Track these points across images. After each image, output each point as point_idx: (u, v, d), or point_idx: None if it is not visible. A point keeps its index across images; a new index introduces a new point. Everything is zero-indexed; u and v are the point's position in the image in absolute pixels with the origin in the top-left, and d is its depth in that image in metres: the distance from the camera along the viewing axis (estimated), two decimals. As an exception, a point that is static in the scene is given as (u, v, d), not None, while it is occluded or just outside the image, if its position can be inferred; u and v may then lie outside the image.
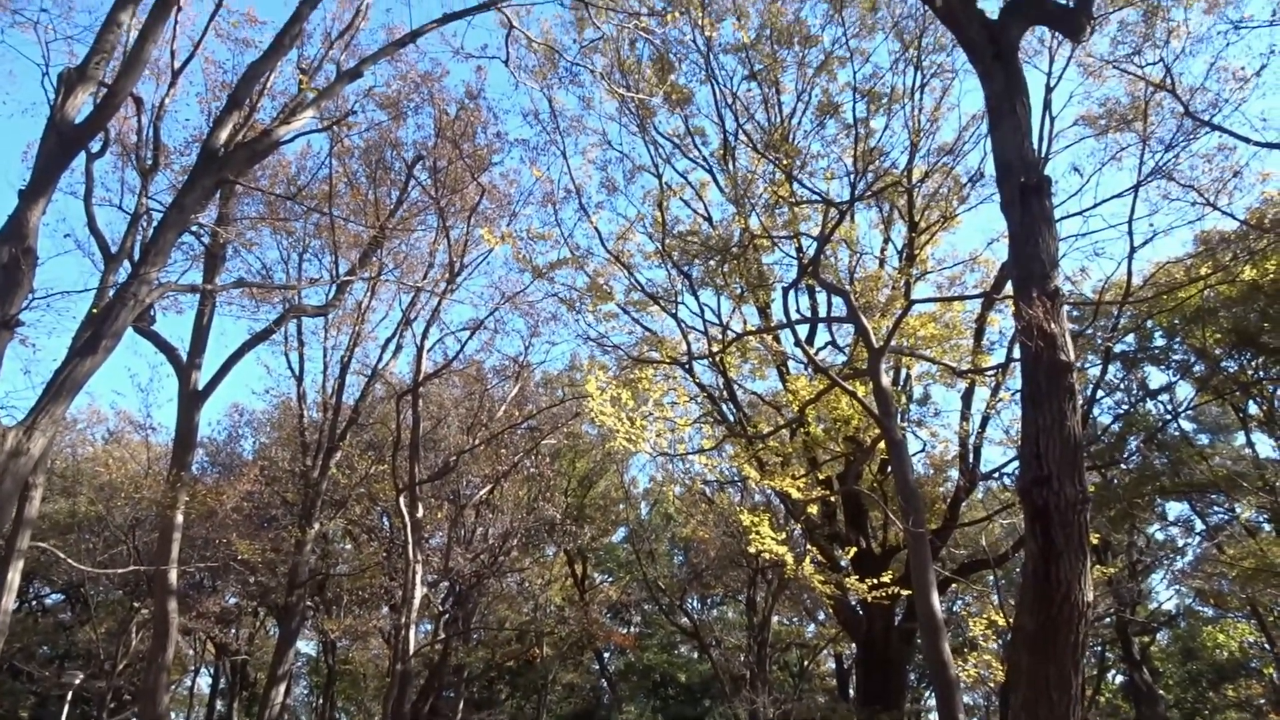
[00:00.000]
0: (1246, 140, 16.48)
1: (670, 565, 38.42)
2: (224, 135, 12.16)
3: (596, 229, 18.86)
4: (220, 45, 20.31)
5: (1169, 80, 17.55)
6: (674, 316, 19.68)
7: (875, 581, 14.27)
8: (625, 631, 38.99)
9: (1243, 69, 17.58)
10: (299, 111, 14.01)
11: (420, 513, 22.51)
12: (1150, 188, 19.00)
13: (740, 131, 18.90)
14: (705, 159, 20.13)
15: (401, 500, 21.79)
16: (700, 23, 13.63)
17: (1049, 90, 19.59)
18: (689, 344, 20.32)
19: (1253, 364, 24.39)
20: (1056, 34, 17.93)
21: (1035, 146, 19.58)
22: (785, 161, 17.10)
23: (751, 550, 16.07)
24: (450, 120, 20.73)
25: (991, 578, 28.17)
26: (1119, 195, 18.04)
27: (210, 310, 20.92)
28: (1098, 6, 17.17)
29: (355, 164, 22.52)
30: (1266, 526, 26.59)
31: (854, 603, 19.94)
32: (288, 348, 26.44)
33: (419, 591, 20.95)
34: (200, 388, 20.13)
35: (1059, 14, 11.29)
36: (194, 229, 18.60)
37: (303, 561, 24.06)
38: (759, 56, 19.34)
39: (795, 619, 38.77)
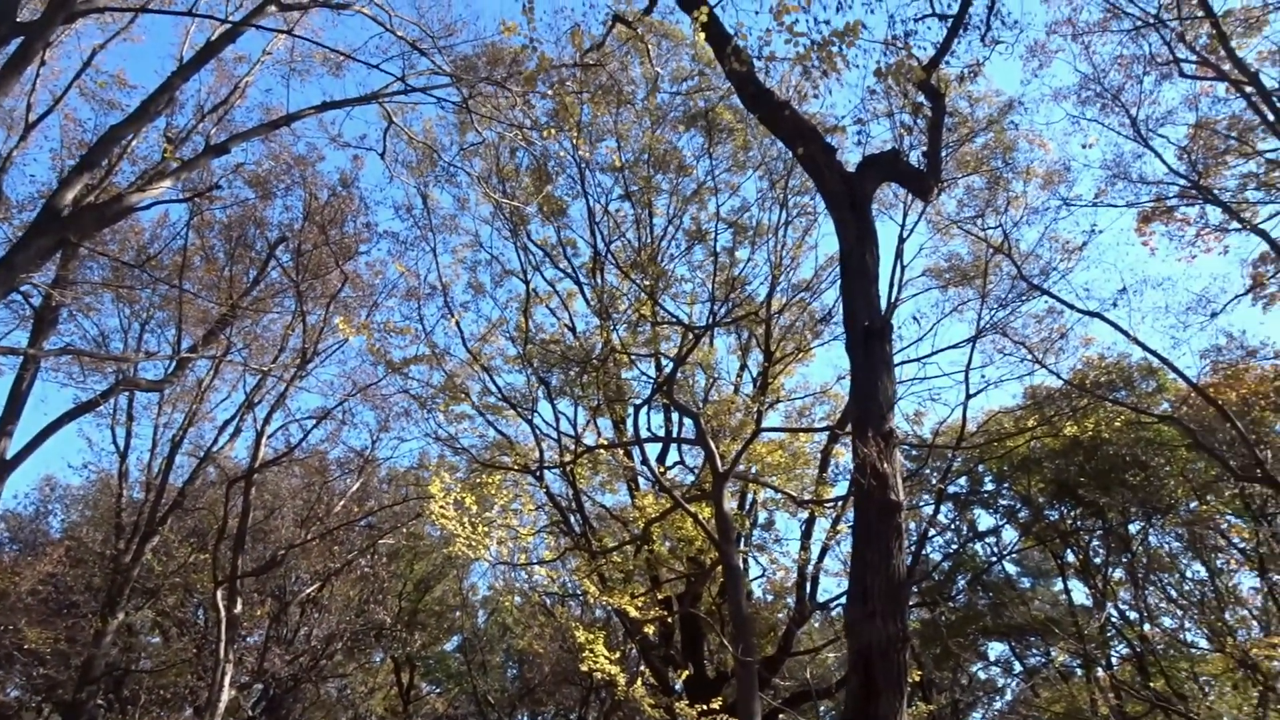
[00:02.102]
0: (1072, 306, 17.98)
1: (502, 679, 37.08)
2: (70, 195, 11.62)
3: (459, 328, 18.75)
4: (84, 104, 19.51)
5: (1007, 244, 19.05)
6: (529, 423, 19.57)
7: (705, 708, 14.11)
8: (448, 749, 37.12)
9: (1070, 241, 19.27)
10: (159, 180, 13.58)
11: (239, 608, 21.11)
12: (986, 341, 20.36)
13: (609, 248, 19.32)
14: (574, 270, 20.46)
15: (219, 593, 20.42)
16: (576, 142, 14.04)
17: (901, 241, 20.89)
18: (542, 451, 20.17)
19: (1071, 514, 25.92)
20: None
21: (885, 292, 20.81)
22: (649, 282, 17.51)
23: (584, 668, 15.73)
24: (320, 205, 20.45)
25: (821, 709, 28.39)
26: (957, 345, 19.15)
27: (32, 375, 19.52)
28: (946, 171, 18.60)
29: (214, 238, 21.82)
30: (1079, 672, 27.80)
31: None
32: (115, 421, 24.76)
33: (226, 694, 19.47)
34: (8, 456, 18.59)
35: (911, 174, 12.10)
36: (25, 288, 17.50)
37: (100, 654, 22.05)
38: (635, 178, 19.99)
39: (627, 742, 37.84)
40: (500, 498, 16.83)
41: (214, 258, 21.80)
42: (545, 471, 19.91)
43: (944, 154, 16.95)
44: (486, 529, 15.51)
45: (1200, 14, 15.06)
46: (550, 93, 12.63)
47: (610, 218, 19.89)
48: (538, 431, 19.25)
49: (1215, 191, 17.21)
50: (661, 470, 20.06)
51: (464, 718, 36.71)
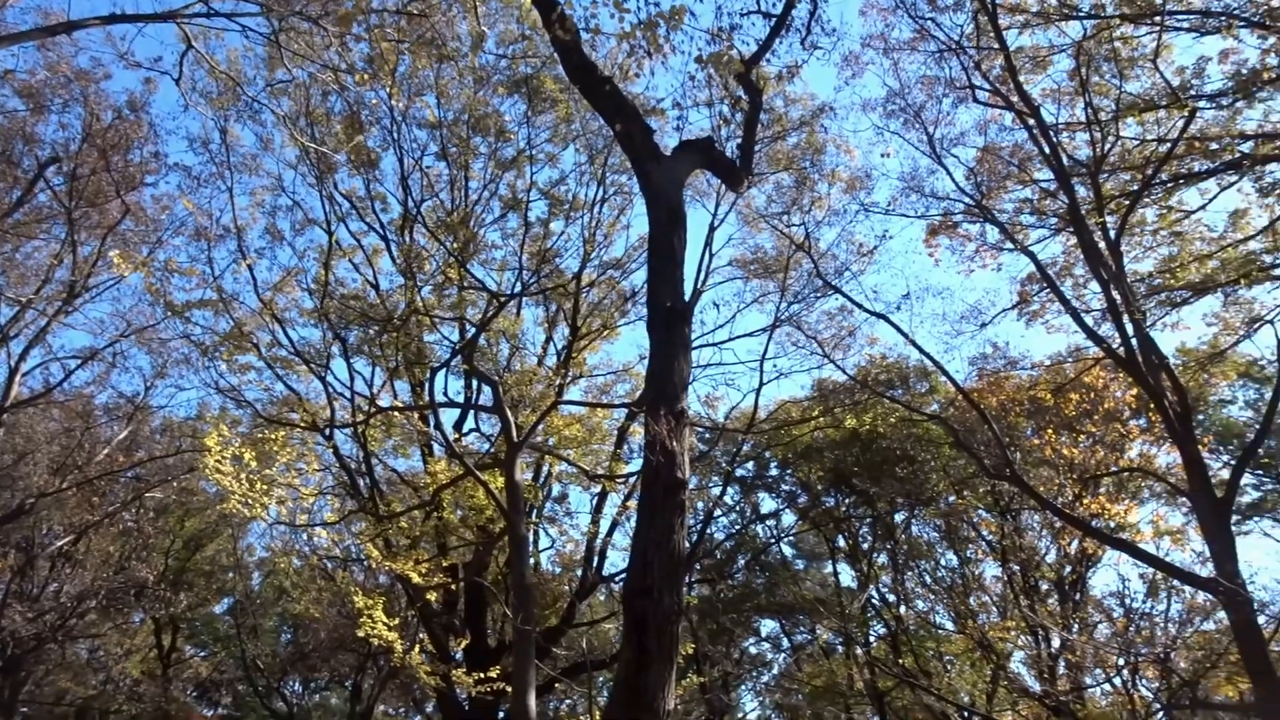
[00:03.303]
0: (861, 306, 18.99)
1: (275, 643, 35.67)
2: None
3: (251, 273, 17.74)
4: None
5: (808, 242, 19.89)
6: (322, 380, 18.82)
7: (482, 675, 14.09)
8: (210, 713, 35.38)
9: (864, 244, 20.37)
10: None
11: (-23, 558, 19.26)
12: (781, 332, 21.27)
13: (420, 207, 18.79)
14: (382, 226, 19.75)
15: (-45, 542, 18.55)
16: (392, 92, 13.54)
17: (712, 229, 21.45)
18: (333, 410, 19.45)
19: (845, 502, 27.56)
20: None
21: (692, 278, 21.33)
22: (458, 245, 17.17)
23: (361, 634, 15.37)
24: (103, 127, 18.77)
25: (601, 679, 28.97)
26: (753, 334, 19.83)
27: None
28: (758, 166, 19.22)
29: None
30: (840, 648, 29.67)
31: (460, 696, 19.58)
32: None
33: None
34: None
35: (724, 164, 12.41)
36: None
37: None
38: (453, 138, 19.50)
39: (403, 709, 37.31)
40: (284, 455, 16.13)
41: (-30, 172, 19.64)
42: (335, 431, 19.24)
43: (757, 149, 17.53)
44: (266, 487, 14.84)
45: (995, 46, 16.19)
46: (368, 37, 12.09)
47: (424, 175, 19.34)
48: (330, 389, 18.55)
49: (995, 212, 18.60)
50: (457, 437, 19.83)
51: (229, 682, 35.08)
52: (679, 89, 19.30)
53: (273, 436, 16.13)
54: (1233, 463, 19.02)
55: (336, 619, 27.22)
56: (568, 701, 29.20)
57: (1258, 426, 15.28)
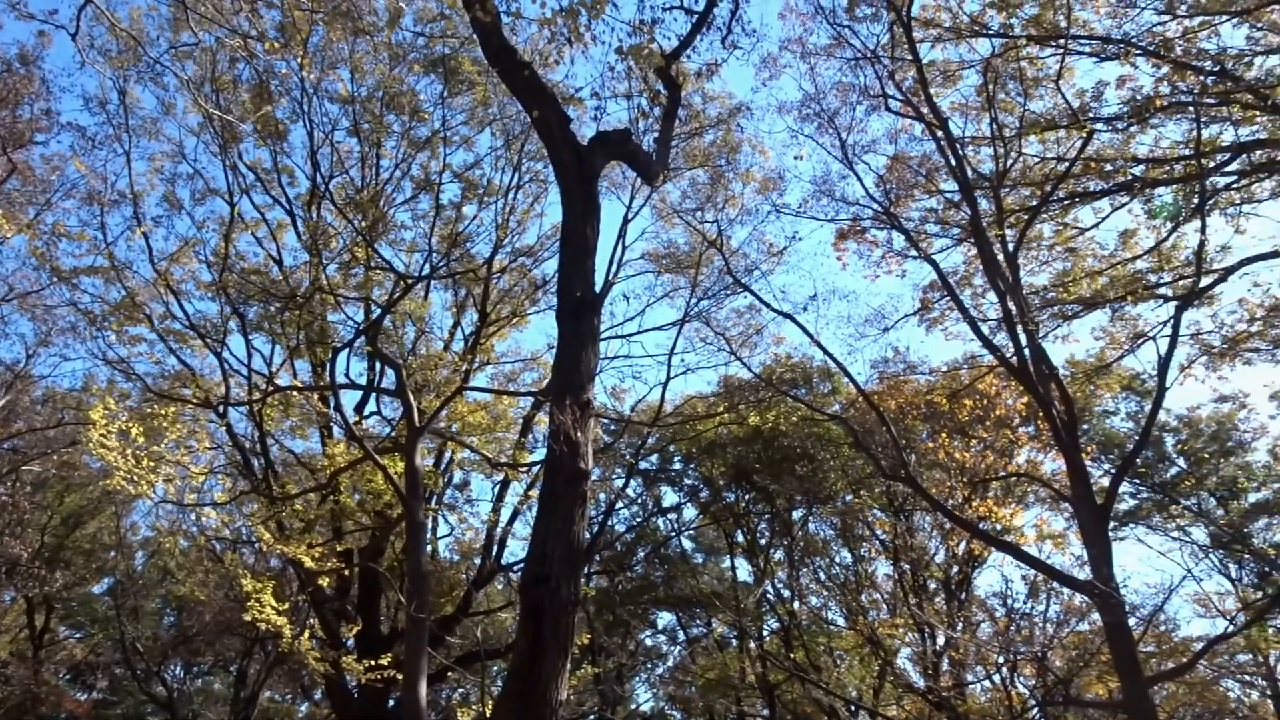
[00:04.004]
0: (769, 306, 19.21)
1: (157, 626, 34.43)
2: None
3: (146, 242, 17.05)
4: None
5: (720, 240, 20.08)
6: (218, 355, 18.22)
7: (373, 663, 13.86)
8: (84, 697, 33.97)
9: (775, 245, 20.67)
10: None
11: None
12: (690, 328, 21.44)
13: (329, 183, 18.33)
14: (288, 200, 19.21)
15: None
16: (302, 63, 13.16)
17: (626, 221, 21.45)
18: (228, 387, 18.88)
19: (745, 498, 27.95)
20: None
21: (604, 269, 21.31)
22: (366, 224, 16.81)
23: (248, 618, 14.95)
24: (-10, 79, 17.77)
25: (496, 668, 28.81)
26: (661, 328, 19.92)
27: None
28: (674, 161, 19.32)
29: None
30: (734, 642, 30.11)
31: (350, 684, 19.22)
32: None
33: None
34: None
35: (640, 156, 12.44)
36: None
37: None
38: (366, 115, 19.06)
39: (290, 696, 36.45)
40: (174, 432, 15.57)
41: None
42: (230, 409, 18.69)
43: (674, 144, 17.60)
44: (154, 464, 14.32)
45: (909, 58, 16.58)
46: (280, 4, 11.71)
47: (335, 151, 18.87)
48: (226, 366, 17.98)
49: (902, 220, 19.05)
50: (358, 420, 19.44)
51: (105, 666, 33.72)
52: (598, 79, 19.20)
53: (163, 412, 15.55)
54: (1113, 471, 19.91)
55: (223, 602, 26.44)
56: (460, 690, 28.98)
57: (1137, 437, 16.02)
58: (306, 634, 14.92)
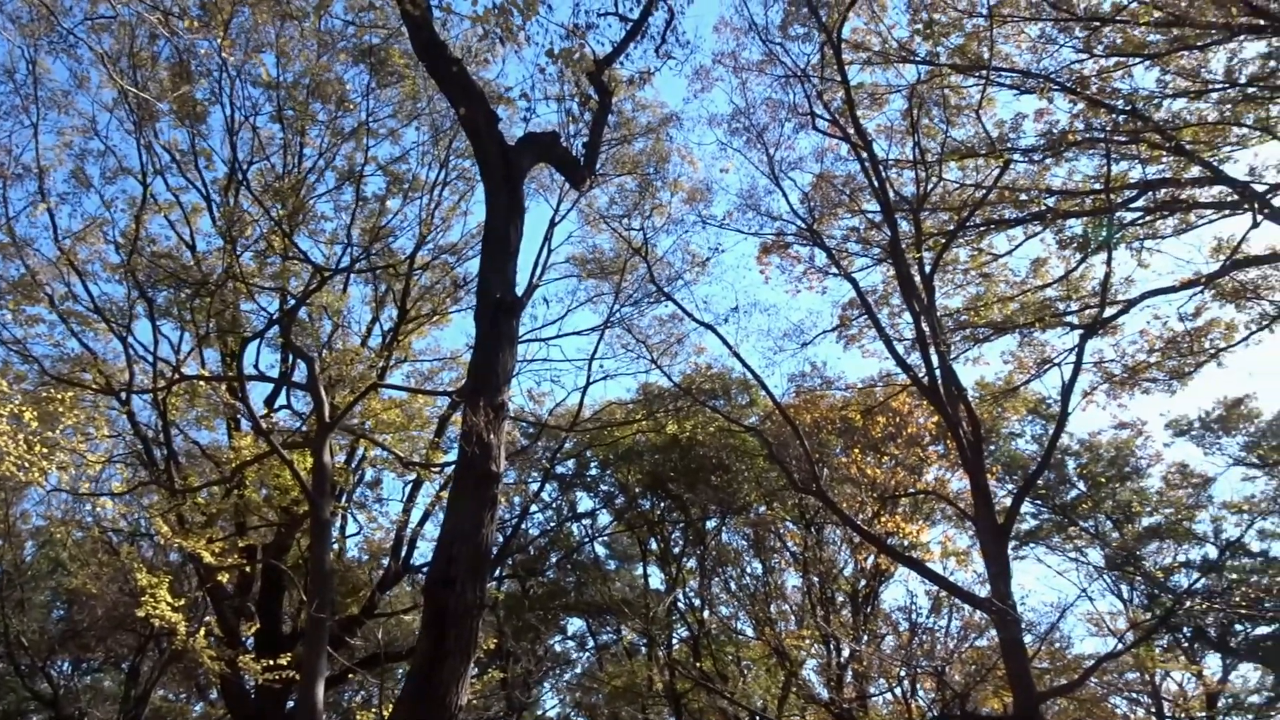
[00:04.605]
0: (691, 316, 19.35)
1: (45, 619, 32.97)
2: None
3: (52, 218, 16.40)
4: None
5: (645, 248, 20.14)
6: (122, 340, 17.62)
7: (271, 663, 13.50)
8: (-39, 693, 32.35)
9: (699, 255, 20.81)
10: None
11: None
12: (612, 334, 21.43)
13: (249, 169, 17.87)
14: (205, 184, 18.64)
15: None
16: (223, 44, 12.79)
17: (553, 224, 21.35)
18: (132, 374, 18.26)
19: (660, 505, 28.05)
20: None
21: (529, 271, 21.18)
22: (285, 213, 16.42)
23: (142, 613, 14.44)
24: (-116, 41, 16.85)
25: (401, 671, 28.32)
26: (582, 332, 19.89)
27: None
28: (603, 167, 19.31)
29: None
30: (643, 650, 30.16)
31: (248, 684, 18.70)
32: None
33: None
34: None
35: (568, 160, 12.37)
36: None
37: None
38: (290, 101, 18.62)
39: (184, 695, 35.26)
40: (70, 418, 14.98)
41: None
42: (133, 396, 18.08)
43: (603, 150, 17.58)
44: (48, 450, 13.75)
45: (838, 79, 16.88)
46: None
47: (256, 136, 18.39)
48: (131, 351, 17.38)
49: (824, 237, 19.37)
50: (267, 413, 18.94)
51: (-13, 660, 32.17)
52: (529, 80, 19.12)
53: (60, 397, 14.95)
54: (1016, 491, 20.45)
55: (117, 596, 25.43)
56: (362, 693, 28.43)
57: (1040, 459, 16.53)
58: (202, 631, 14.45)
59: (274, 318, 16.67)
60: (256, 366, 19.80)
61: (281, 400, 20.61)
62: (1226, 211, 16.01)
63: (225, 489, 17.13)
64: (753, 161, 19.31)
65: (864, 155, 17.20)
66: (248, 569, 18.54)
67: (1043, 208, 17.38)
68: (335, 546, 20.67)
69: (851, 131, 17.37)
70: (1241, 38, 14.41)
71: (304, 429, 18.16)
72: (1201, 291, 16.56)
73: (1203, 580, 24.19)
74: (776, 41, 17.75)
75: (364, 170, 18.98)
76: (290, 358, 19.72)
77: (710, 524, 27.17)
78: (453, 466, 18.68)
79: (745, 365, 18.54)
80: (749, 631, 27.28)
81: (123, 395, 17.66)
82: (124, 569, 22.74)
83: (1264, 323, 16.79)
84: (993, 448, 25.40)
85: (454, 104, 11.07)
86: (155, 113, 17.45)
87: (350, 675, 18.05)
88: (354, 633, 19.96)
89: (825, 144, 19.21)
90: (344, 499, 20.54)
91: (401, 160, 20.01)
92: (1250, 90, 15.21)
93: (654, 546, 29.14)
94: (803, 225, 18.96)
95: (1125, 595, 27.62)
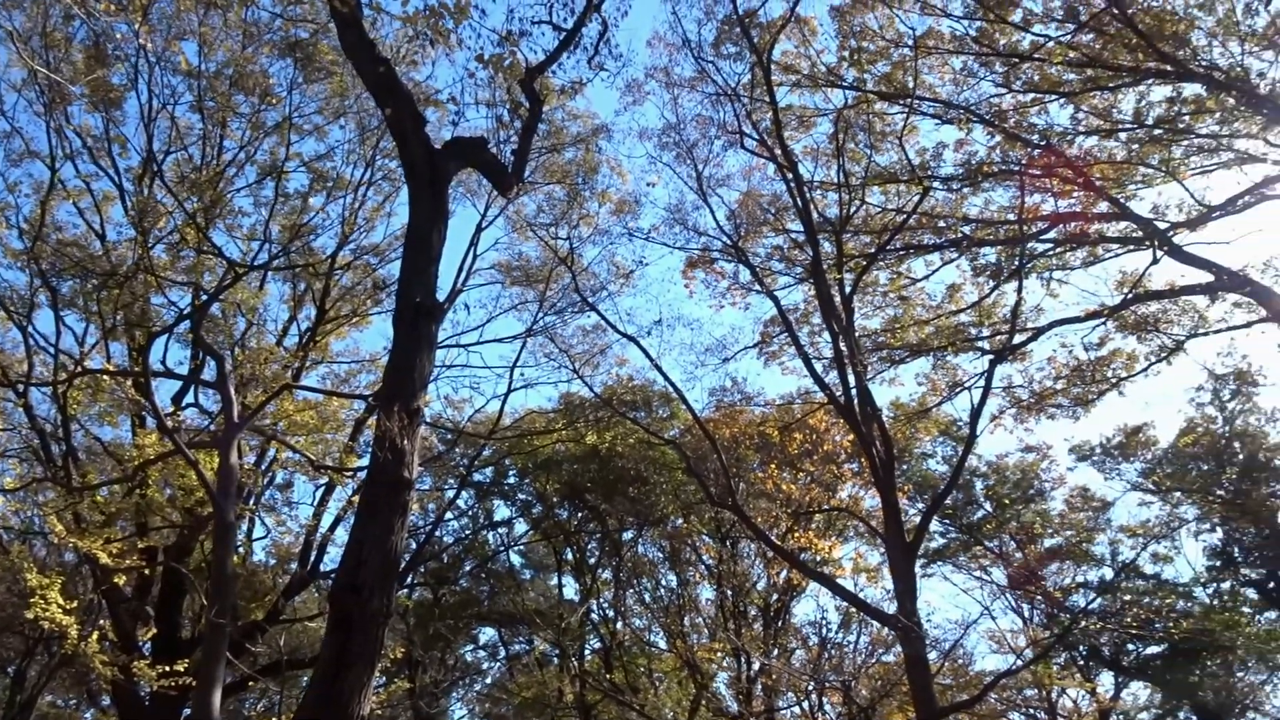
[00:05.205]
0: (614, 327, 19.41)
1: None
2: None
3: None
4: None
5: (571, 257, 20.13)
6: (22, 330, 16.95)
7: (167, 669, 13.06)
8: None
9: (624, 267, 20.88)
10: None
11: None
12: (535, 342, 21.36)
13: (164, 159, 17.37)
14: (118, 172, 18.05)
15: None
16: (140, 28, 12.41)
17: (479, 230, 21.21)
18: (31, 365, 17.58)
19: (578, 516, 27.97)
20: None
21: (455, 275, 20.98)
22: (201, 205, 15.99)
23: (30, 615, 13.85)
24: None
25: (306, 679, 27.63)
26: (503, 340, 19.77)
27: None
28: (531, 175, 19.26)
29: None
30: (555, 660, 30.00)
31: (142, 691, 18.04)
32: None
33: None
34: None
35: (495, 166, 12.27)
36: None
37: None
38: (212, 92, 18.13)
39: (74, 701, 33.86)
40: (-38, 409, 14.32)
41: None
42: (31, 389, 17.38)
43: (532, 158, 17.54)
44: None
45: (767, 100, 17.15)
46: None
47: (174, 125, 17.87)
48: (32, 342, 16.72)
49: (749, 255, 19.61)
50: (174, 410, 18.40)
51: None
52: (459, 84, 19.00)
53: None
54: (925, 510, 20.87)
55: (4, 597, 24.31)
56: (264, 702, 27.68)
57: (948, 480, 16.97)
58: (95, 635, 13.91)
59: (185, 313, 16.20)
60: (165, 363, 19.17)
61: (190, 398, 20.05)
62: (1131, 247, 16.69)
63: (127, 488, 16.53)
64: (681, 176, 19.50)
65: (790, 176, 17.49)
66: (147, 571, 17.92)
67: (959, 235, 17.89)
68: (240, 550, 20.10)
69: (779, 152, 17.65)
70: (1150, 81, 15.07)
71: (213, 428, 17.65)
72: (1105, 322, 17.22)
73: (1098, 601, 25.05)
74: (709, 59, 17.97)
75: (287, 166, 18.57)
76: (201, 355, 19.17)
77: (627, 535, 27.19)
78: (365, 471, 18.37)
79: (667, 378, 18.68)
80: (661, 644, 27.35)
81: (20, 387, 16.96)
82: (14, 568, 21.77)
83: (1163, 354, 17.53)
84: (905, 467, 25.95)
85: (381, 104, 10.91)
86: (67, 95, 16.83)
87: (251, 683, 17.56)
88: (257, 639, 19.41)
89: (753, 163, 19.49)
90: (252, 501, 19.99)
91: (326, 158, 19.67)
92: (1156, 132, 15.91)
93: (569, 557, 29.03)
94: (728, 242, 19.18)
95: (1026, 614, 28.44)
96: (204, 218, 16.03)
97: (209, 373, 18.71)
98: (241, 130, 18.57)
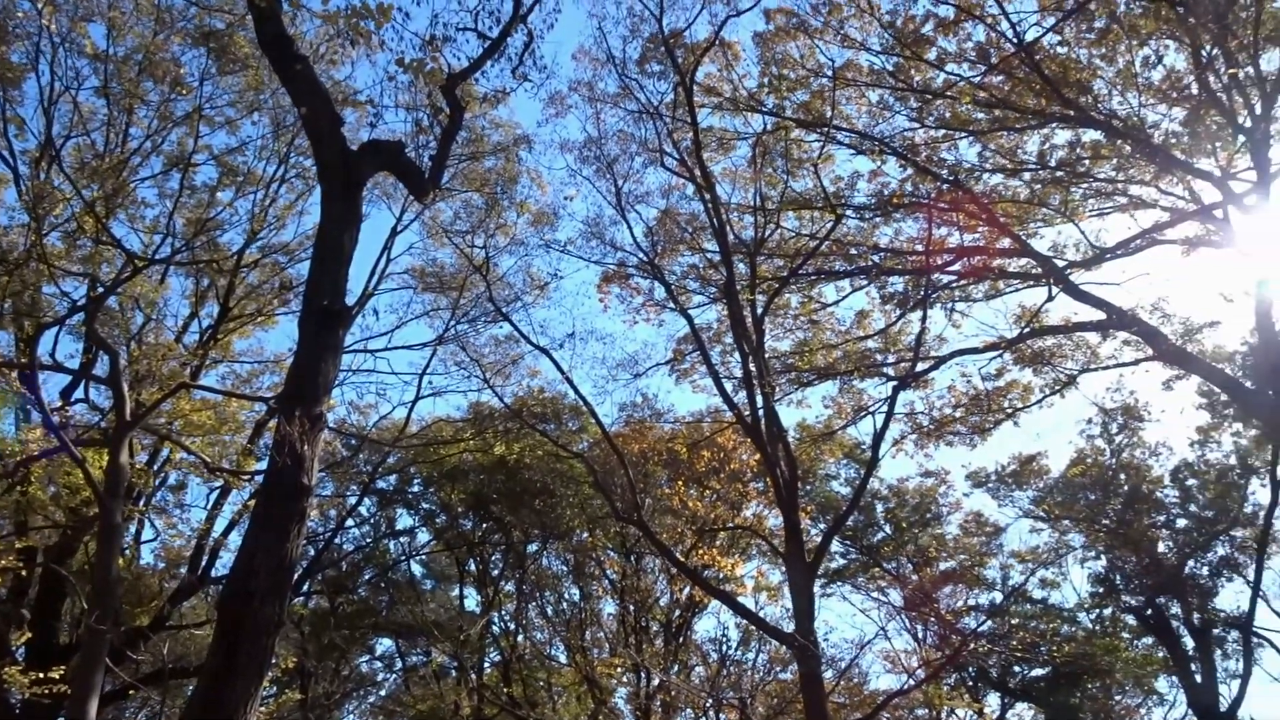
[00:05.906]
0: (527, 339, 19.31)
1: None
2: None
3: None
4: None
5: (487, 266, 19.99)
6: (-101, 315, 16.01)
7: (41, 676, 12.47)
8: None
9: (539, 278, 20.82)
10: None
11: None
12: (446, 350, 21.12)
13: (64, 143, 16.68)
14: (13, 154, 17.24)
15: None
16: (43, 7, 11.94)
17: (394, 233, 20.91)
18: (-93, 353, 16.61)
19: (482, 527, 27.69)
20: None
21: (366, 278, 20.65)
22: (101, 194, 15.41)
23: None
24: None
25: (192, 688, 26.65)
26: (412, 346, 19.56)
27: None
28: (449, 182, 19.09)
29: None
30: (453, 673, 29.57)
31: (13, 699, 17.17)
32: None
33: None
34: None
35: (412, 171, 12.12)
36: None
37: None
38: (119, 77, 17.50)
39: (-62, 708, 32.02)
40: None
41: None
42: (-94, 377, 16.41)
43: (451, 165, 17.40)
44: None
45: (688, 120, 17.35)
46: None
47: (77, 109, 17.18)
48: (-92, 328, 15.80)
49: (665, 272, 19.75)
50: (62, 405, 17.63)
51: None
52: (379, 86, 18.72)
53: None
54: (826, 531, 21.23)
55: None
56: (145, 711, 26.61)
57: (850, 501, 17.34)
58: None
59: (78, 304, 15.56)
60: (54, 355, 18.33)
61: (80, 394, 19.22)
62: (1030, 283, 17.37)
63: (6, 484, 15.76)
64: (601, 191, 19.55)
65: (708, 196, 17.70)
66: (24, 572, 17.07)
67: (869, 263, 18.34)
68: (127, 552, 19.31)
69: (698, 172, 17.86)
70: (1053, 125, 15.76)
71: (103, 425, 16.96)
72: (1003, 355, 17.87)
73: (988, 623, 25.83)
74: (633, 77, 18.10)
75: (195, 158, 18.04)
76: (94, 349, 18.42)
77: (531, 548, 27.03)
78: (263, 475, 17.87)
79: (577, 392, 18.66)
80: (562, 658, 27.21)
81: (-107, 375, 16.02)
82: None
83: (1056, 387, 18.28)
84: (808, 488, 26.41)
85: (297, 102, 10.70)
86: (-39, 72, 16.04)
87: (132, 691, 16.87)
88: (140, 646, 18.66)
89: (672, 181, 19.65)
90: (142, 502, 19.26)
91: (238, 152, 19.15)
92: (1058, 174, 16.62)
93: (472, 568, 28.71)
94: (644, 258, 19.28)
95: (919, 635, 29.16)
96: (104, 207, 15.44)
97: (101, 368, 17.97)
98: (149, 119, 17.95)
